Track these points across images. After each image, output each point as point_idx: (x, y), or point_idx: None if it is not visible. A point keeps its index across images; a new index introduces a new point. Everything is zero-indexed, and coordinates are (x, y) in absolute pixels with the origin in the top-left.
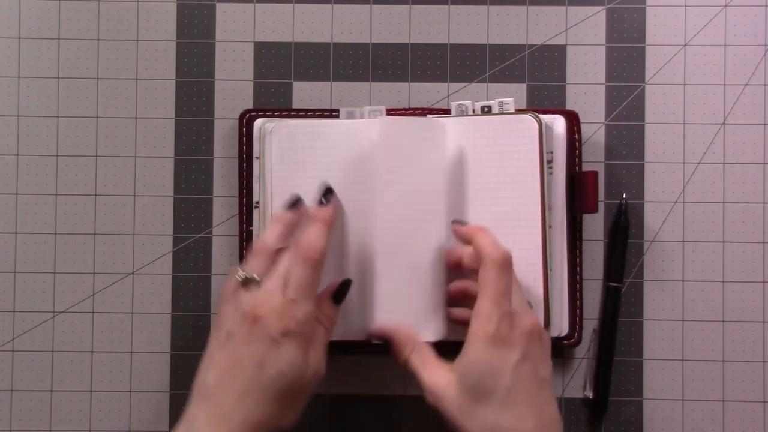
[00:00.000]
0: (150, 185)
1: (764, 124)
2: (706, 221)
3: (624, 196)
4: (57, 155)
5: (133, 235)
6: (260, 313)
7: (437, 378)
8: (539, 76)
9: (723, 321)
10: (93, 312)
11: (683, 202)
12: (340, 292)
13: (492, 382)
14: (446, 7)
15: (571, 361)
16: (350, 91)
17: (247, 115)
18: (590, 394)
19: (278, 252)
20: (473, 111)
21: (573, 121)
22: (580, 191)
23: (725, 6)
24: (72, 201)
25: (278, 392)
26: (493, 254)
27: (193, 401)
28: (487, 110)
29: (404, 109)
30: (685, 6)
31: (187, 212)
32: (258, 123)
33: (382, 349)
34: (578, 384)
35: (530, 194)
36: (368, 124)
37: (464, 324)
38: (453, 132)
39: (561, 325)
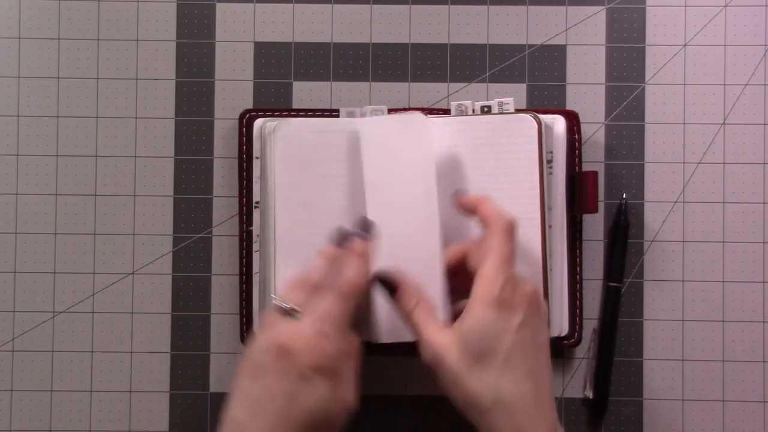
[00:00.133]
0: (150, 185)
1: (764, 124)
2: (706, 221)
3: (624, 196)
4: (57, 155)
5: (133, 235)
6: (292, 346)
7: (438, 338)
8: (539, 76)
9: (723, 321)
10: (93, 312)
11: (683, 202)
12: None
13: (494, 344)
14: (446, 7)
15: (571, 361)
16: (350, 91)
17: (247, 115)
18: (590, 394)
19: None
20: (473, 111)
21: (573, 121)
22: (580, 191)
23: (725, 6)
24: (72, 201)
25: (307, 427)
26: (499, 220)
27: None
28: (486, 110)
29: (404, 109)
30: (685, 6)
31: (187, 212)
32: (258, 123)
33: (382, 349)
34: (578, 384)
35: (530, 194)
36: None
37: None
38: (453, 132)
39: (561, 325)
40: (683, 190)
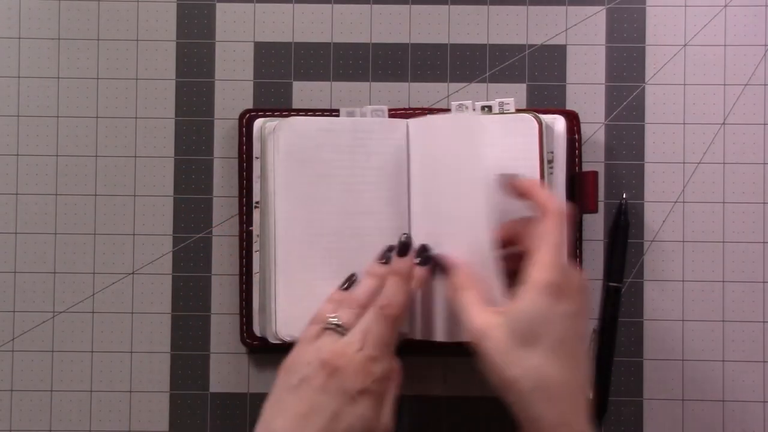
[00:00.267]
0: (150, 185)
1: (764, 124)
2: (706, 221)
3: (624, 196)
4: (57, 155)
5: (133, 235)
6: (340, 364)
7: (485, 318)
8: (539, 76)
9: (723, 321)
10: (93, 312)
11: (683, 202)
12: None
13: (542, 329)
14: (446, 7)
15: None
16: (350, 91)
17: (247, 115)
18: (590, 394)
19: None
20: (473, 111)
21: (573, 121)
22: (580, 191)
23: (725, 6)
24: (72, 201)
25: None
26: (553, 206)
27: None
28: (487, 110)
29: (404, 109)
30: (685, 6)
31: (187, 212)
32: (258, 123)
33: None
34: None
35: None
36: (374, 123)
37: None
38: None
39: None
40: (683, 190)
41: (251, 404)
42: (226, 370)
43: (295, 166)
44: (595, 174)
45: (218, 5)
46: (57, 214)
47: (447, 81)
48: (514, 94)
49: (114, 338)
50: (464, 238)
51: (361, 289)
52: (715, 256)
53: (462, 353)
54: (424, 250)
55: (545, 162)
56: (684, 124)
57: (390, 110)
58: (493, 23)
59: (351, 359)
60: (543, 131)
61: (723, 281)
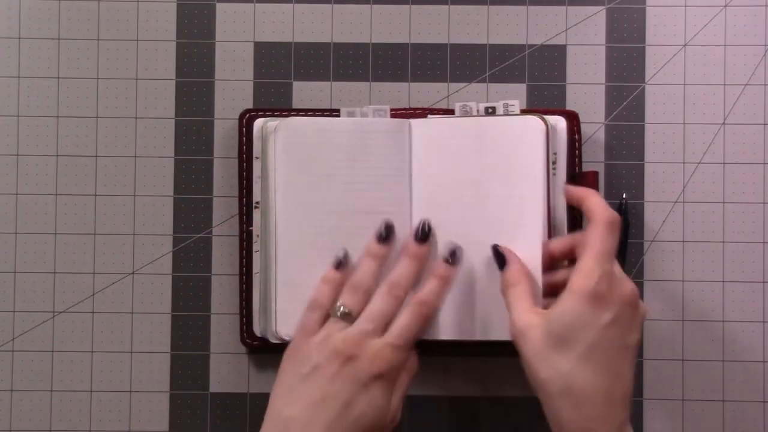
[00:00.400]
0: (150, 185)
1: (764, 124)
2: (706, 221)
3: (624, 196)
4: (57, 155)
5: (133, 235)
6: (354, 353)
7: (526, 317)
8: (539, 76)
9: (723, 321)
10: (93, 312)
11: (683, 202)
12: None
13: (577, 335)
14: (446, 7)
15: None
16: (350, 91)
17: (247, 115)
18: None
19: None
20: (477, 111)
21: (573, 121)
22: None
23: (725, 6)
24: (72, 201)
25: None
26: (603, 214)
27: None
28: (491, 111)
29: (404, 109)
30: (685, 6)
31: (187, 212)
32: (258, 123)
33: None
34: None
35: (535, 195)
36: (374, 123)
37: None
38: (459, 131)
39: None
40: (683, 190)
41: (251, 404)
42: (226, 370)
43: (294, 167)
44: (595, 174)
45: (218, 5)
46: (57, 214)
47: (447, 81)
48: (514, 94)
49: (114, 338)
50: (512, 242)
51: (363, 271)
52: (715, 256)
53: (462, 353)
54: (454, 252)
55: (549, 163)
56: (684, 124)
57: (390, 110)
58: (493, 23)
59: (366, 347)
60: (548, 133)
61: (723, 281)
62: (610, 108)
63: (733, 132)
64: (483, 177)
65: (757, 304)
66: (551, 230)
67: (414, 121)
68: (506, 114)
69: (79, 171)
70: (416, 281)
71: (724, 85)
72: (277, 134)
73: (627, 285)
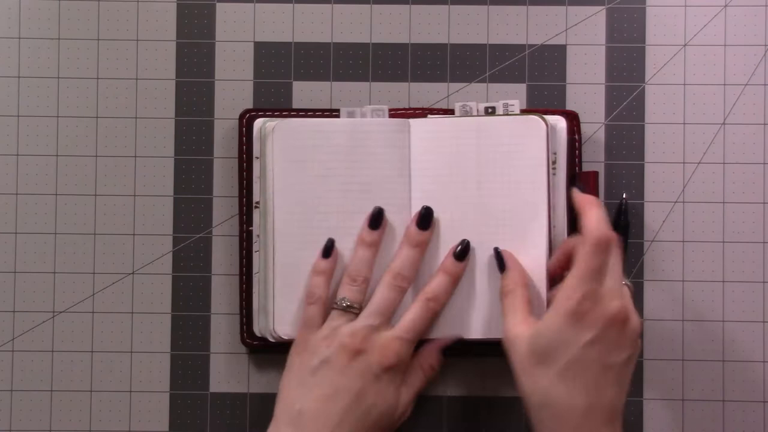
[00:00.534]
0: (150, 185)
1: (764, 124)
2: (706, 221)
3: (624, 196)
4: (57, 155)
5: (133, 235)
6: (363, 346)
7: (516, 329)
8: (539, 76)
9: (723, 321)
10: (93, 312)
11: (683, 202)
12: None
13: (556, 353)
14: (446, 7)
15: None
16: (350, 91)
17: (247, 115)
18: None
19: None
20: (477, 111)
21: (573, 121)
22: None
23: (725, 6)
24: (72, 201)
25: (370, 425)
26: (593, 232)
27: (280, 428)
28: (491, 111)
29: (404, 109)
30: (685, 6)
31: (187, 212)
32: (258, 123)
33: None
34: None
35: (536, 195)
36: (373, 123)
37: None
38: (459, 131)
39: None
40: (683, 190)
41: (251, 404)
42: (226, 370)
43: (292, 167)
44: (595, 174)
45: (218, 5)
46: (57, 214)
47: (447, 81)
48: (514, 94)
49: (114, 338)
50: (515, 243)
51: (359, 260)
52: (715, 256)
53: (462, 353)
54: (465, 249)
55: (550, 163)
56: (684, 124)
57: (390, 110)
58: (493, 23)
59: (375, 340)
60: (549, 133)
61: (723, 281)
62: (610, 108)
63: (733, 132)
64: (483, 177)
65: (757, 304)
66: (551, 230)
67: (413, 121)
68: (506, 114)
69: (79, 171)
70: (418, 269)
71: (724, 85)
72: (274, 135)
73: (614, 303)
